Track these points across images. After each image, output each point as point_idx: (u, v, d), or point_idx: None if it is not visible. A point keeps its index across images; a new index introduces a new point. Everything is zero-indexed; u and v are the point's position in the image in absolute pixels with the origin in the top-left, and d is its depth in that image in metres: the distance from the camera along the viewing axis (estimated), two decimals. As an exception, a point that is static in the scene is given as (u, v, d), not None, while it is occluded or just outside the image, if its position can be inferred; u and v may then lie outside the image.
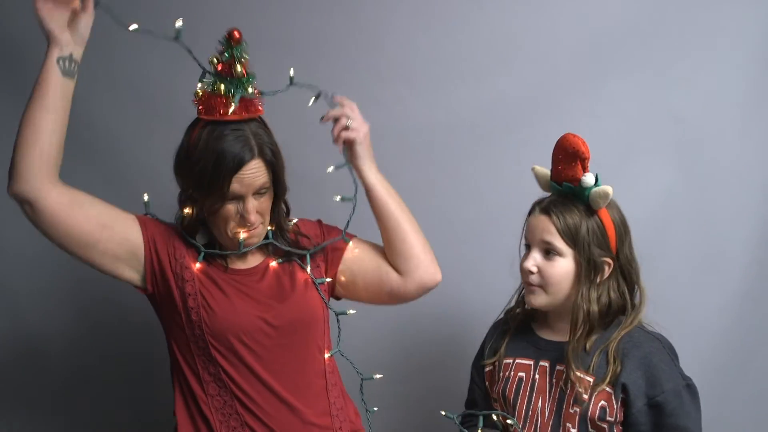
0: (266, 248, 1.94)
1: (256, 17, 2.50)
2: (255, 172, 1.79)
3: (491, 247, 2.49)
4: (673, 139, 2.56)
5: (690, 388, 1.85)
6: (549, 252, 1.87)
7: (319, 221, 2.05)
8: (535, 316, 2.02)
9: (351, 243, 2.00)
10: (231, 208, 1.81)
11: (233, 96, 1.75)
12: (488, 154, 2.56)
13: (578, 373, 1.83)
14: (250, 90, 1.78)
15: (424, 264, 1.95)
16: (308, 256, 1.93)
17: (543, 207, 1.90)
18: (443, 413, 1.94)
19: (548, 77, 2.54)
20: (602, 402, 1.82)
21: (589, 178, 1.85)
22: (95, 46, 2.44)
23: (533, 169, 2.00)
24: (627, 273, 1.91)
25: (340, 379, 1.99)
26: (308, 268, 1.93)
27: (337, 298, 2.03)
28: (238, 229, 1.83)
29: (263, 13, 2.49)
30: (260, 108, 1.83)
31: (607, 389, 1.82)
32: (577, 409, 1.83)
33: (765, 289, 2.60)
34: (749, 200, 2.57)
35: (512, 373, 1.96)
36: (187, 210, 1.86)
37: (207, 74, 1.77)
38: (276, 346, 1.85)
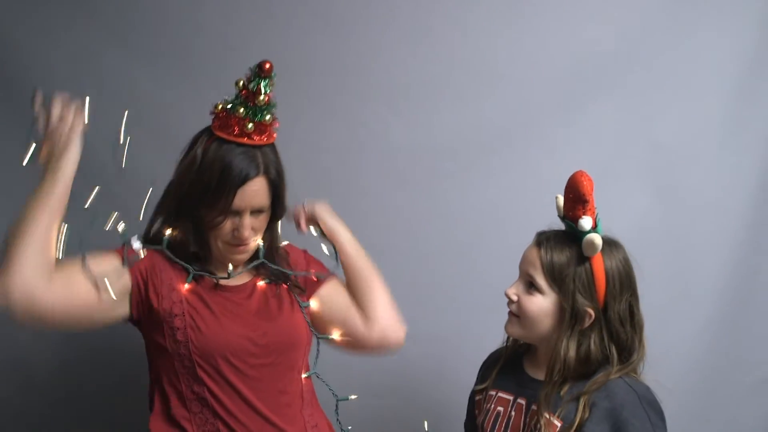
0: (255, 267, 1.95)
1: (245, 38, 2.52)
2: (257, 189, 1.81)
3: (470, 268, 2.52)
4: (649, 165, 2.60)
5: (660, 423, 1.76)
6: (531, 285, 1.83)
7: (305, 251, 2.08)
8: (527, 352, 1.96)
9: (332, 281, 2.04)
10: (227, 223, 1.82)
11: (250, 122, 1.79)
12: (469, 177, 2.58)
13: (547, 416, 1.76)
14: (267, 117, 1.82)
15: (386, 320, 1.99)
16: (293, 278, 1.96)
17: (538, 239, 1.85)
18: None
19: (529, 102, 2.57)
20: None
21: (585, 222, 1.78)
22: (84, 60, 2.50)
23: (557, 198, 1.91)
24: (614, 329, 1.80)
25: (315, 396, 2.01)
26: (295, 289, 1.96)
27: None
28: (231, 251, 1.85)
29: (252, 33, 2.52)
30: (274, 135, 1.86)
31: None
32: None
33: (738, 314, 2.64)
34: (724, 226, 2.61)
35: (493, 405, 1.92)
36: (169, 231, 1.86)
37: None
38: (260, 365, 1.86)
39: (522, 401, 1.86)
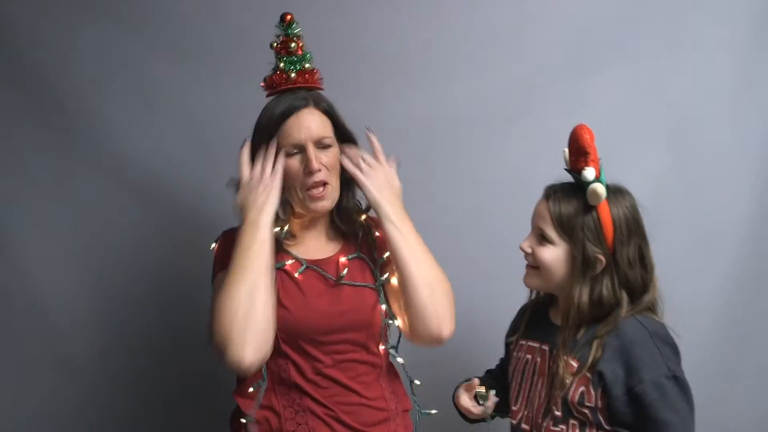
0: (343, 238, 2.03)
1: (257, 16, 2.54)
2: (311, 118, 1.90)
3: (492, 237, 2.56)
4: (664, 125, 2.62)
5: (677, 380, 1.79)
6: (543, 237, 1.89)
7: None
8: (552, 302, 2.02)
9: None
10: (294, 162, 1.89)
11: (292, 72, 1.93)
12: (487, 145, 2.62)
13: (565, 358, 1.84)
14: (307, 66, 1.96)
15: (429, 317, 1.90)
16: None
17: (547, 192, 1.91)
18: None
19: (542, 69, 2.61)
20: (582, 387, 1.82)
21: (588, 173, 1.84)
22: (94, 47, 2.55)
23: (564, 151, 1.95)
24: (625, 273, 1.86)
25: (393, 366, 2.07)
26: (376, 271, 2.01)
27: None
28: (310, 198, 1.90)
29: (267, 19, 2.55)
30: (319, 81, 1.98)
31: (588, 375, 1.81)
32: (561, 394, 1.84)
33: (758, 270, 2.66)
34: (741, 183, 2.63)
35: (522, 354, 2.00)
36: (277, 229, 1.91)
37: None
38: (339, 339, 1.91)
39: (546, 347, 1.94)
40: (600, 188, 1.82)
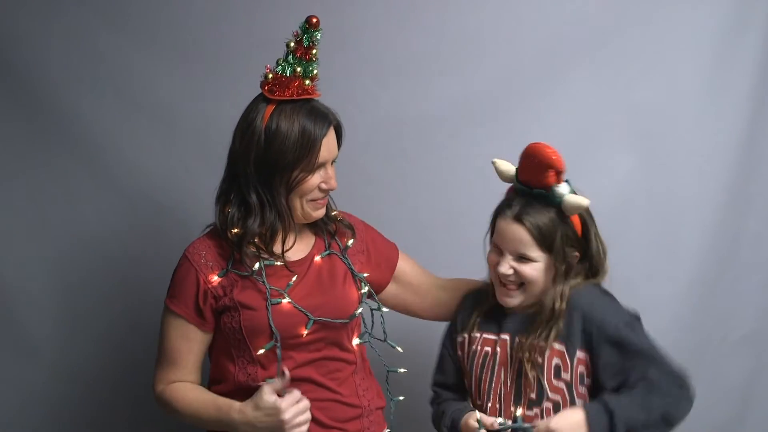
0: (318, 237, 2.03)
1: (235, 17, 2.57)
2: (334, 137, 1.92)
3: (462, 237, 2.51)
4: (630, 130, 2.64)
5: (638, 319, 1.92)
6: (521, 258, 1.91)
7: (364, 223, 2.15)
8: None
9: (401, 257, 2.17)
10: (316, 177, 1.91)
11: (306, 78, 1.89)
12: (456, 147, 2.62)
13: (533, 341, 1.88)
14: (316, 72, 1.92)
15: None
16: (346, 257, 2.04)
17: (516, 215, 1.90)
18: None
19: (512, 73, 2.62)
20: (556, 360, 1.87)
21: (563, 188, 1.88)
22: (79, 45, 2.54)
23: (494, 163, 2.01)
24: (595, 262, 1.96)
25: (367, 362, 2.08)
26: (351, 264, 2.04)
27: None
28: (315, 207, 1.94)
29: (242, 14, 2.56)
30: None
31: (557, 347, 1.87)
32: (535, 374, 1.88)
33: (720, 273, 2.69)
34: (705, 189, 2.65)
35: (479, 347, 2.01)
36: (236, 231, 1.91)
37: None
38: (312, 335, 1.92)
39: (506, 336, 1.96)
40: (582, 200, 1.88)
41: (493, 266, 1.96)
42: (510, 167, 1.98)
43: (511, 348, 1.94)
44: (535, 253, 1.89)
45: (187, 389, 1.95)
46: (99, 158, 2.57)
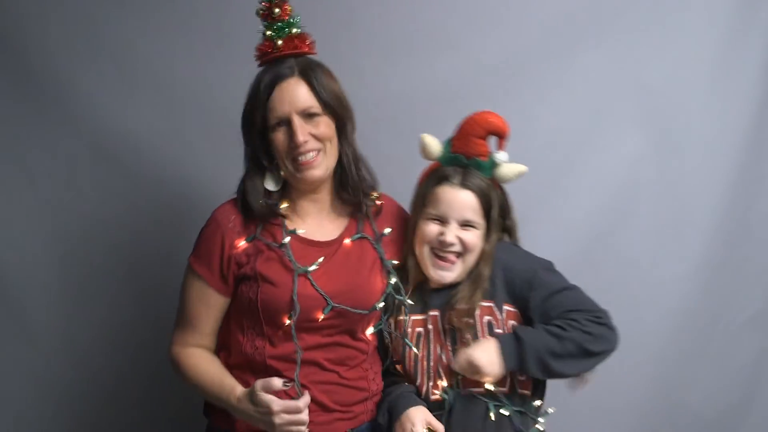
0: (353, 220, 1.98)
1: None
2: (294, 89, 1.85)
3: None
4: (641, 109, 2.62)
5: (550, 263, 1.96)
6: (465, 224, 1.93)
7: (401, 208, 2.09)
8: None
9: None
10: (280, 135, 1.85)
11: (278, 39, 1.86)
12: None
13: (460, 306, 1.91)
14: (294, 30, 1.88)
15: None
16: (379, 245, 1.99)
17: (461, 182, 1.93)
18: None
19: (522, 49, 2.59)
20: (486, 318, 1.90)
21: (504, 155, 1.94)
22: (77, 18, 2.50)
23: (423, 137, 2.01)
24: (513, 230, 2.03)
25: (374, 346, 2.04)
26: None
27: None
28: (298, 169, 1.86)
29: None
30: (308, 46, 1.91)
31: (485, 304, 1.90)
32: (469, 336, 1.89)
33: (730, 254, 2.69)
34: (715, 168, 2.65)
35: (410, 329, 2.00)
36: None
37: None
38: (329, 321, 1.89)
39: (434, 312, 1.97)
40: (521, 166, 1.96)
41: (434, 238, 1.94)
42: (437, 142, 2.00)
43: (442, 321, 1.95)
44: (480, 219, 1.93)
45: (200, 359, 1.92)
46: (99, 135, 2.53)
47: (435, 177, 1.97)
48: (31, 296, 2.51)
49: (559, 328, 1.84)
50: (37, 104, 2.49)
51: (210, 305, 1.91)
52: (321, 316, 1.86)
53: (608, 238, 2.62)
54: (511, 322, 1.91)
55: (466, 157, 1.94)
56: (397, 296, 1.97)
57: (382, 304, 1.95)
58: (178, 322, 1.96)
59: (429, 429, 1.87)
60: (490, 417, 1.89)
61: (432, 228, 1.95)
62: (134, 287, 2.55)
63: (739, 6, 2.62)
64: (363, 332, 1.96)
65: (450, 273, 1.94)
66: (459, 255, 1.93)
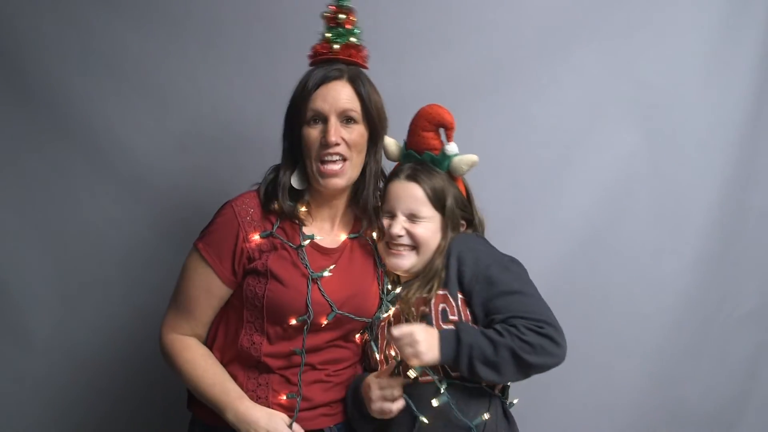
0: (357, 222, 1.99)
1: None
2: (339, 90, 1.86)
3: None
4: (635, 105, 2.62)
5: (513, 261, 1.93)
6: (413, 217, 1.94)
7: None
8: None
9: None
10: (313, 132, 1.86)
11: (335, 43, 1.89)
12: (458, 121, 2.56)
13: (418, 295, 1.91)
14: (353, 39, 1.92)
15: None
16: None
17: (408, 175, 1.96)
18: None
19: (515, 46, 2.59)
20: (441, 305, 1.89)
21: (453, 147, 1.95)
22: (68, 21, 2.48)
23: (384, 140, 2.02)
24: (477, 221, 2.03)
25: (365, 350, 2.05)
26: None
27: None
28: (323, 171, 1.86)
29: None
30: (363, 57, 1.94)
31: (440, 292, 1.89)
32: (424, 324, 1.87)
33: (726, 249, 2.69)
34: (711, 163, 2.65)
35: (383, 324, 2.01)
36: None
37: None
38: (331, 328, 1.90)
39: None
40: (473, 156, 1.96)
41: (387, 232, 1.96)
42: (395, 143, 2.04)
43: (401, 310, 1.95)
44: (429, 212, 1.94)
45: (198, 356, 1.91)
46: (92, 140, 2.53)
47: (390, 175, 2.01)
48: (27, 301, 2.51)
49: (497, 333, 1.78)
50: (30, 108, 2.50)
51: (212, 293, 1.90)
52: (325, 322, 1.87)
53: (604, 234, 2.62)
54: (468, 310, 1.89)
55: (418, 152, 1.97)
56: (383, 296, 1.99)
57: (385, 314, 1.97)
58: (174, 306, 1.94)
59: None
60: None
61: (385, 222, 1.98)
62: (128, 291, 2.54)
63: (732, 2, 2.63)
64: (354, 336, 1.98)
65: (403, 261, 1.96)
66: (413, 248, 1.94)
